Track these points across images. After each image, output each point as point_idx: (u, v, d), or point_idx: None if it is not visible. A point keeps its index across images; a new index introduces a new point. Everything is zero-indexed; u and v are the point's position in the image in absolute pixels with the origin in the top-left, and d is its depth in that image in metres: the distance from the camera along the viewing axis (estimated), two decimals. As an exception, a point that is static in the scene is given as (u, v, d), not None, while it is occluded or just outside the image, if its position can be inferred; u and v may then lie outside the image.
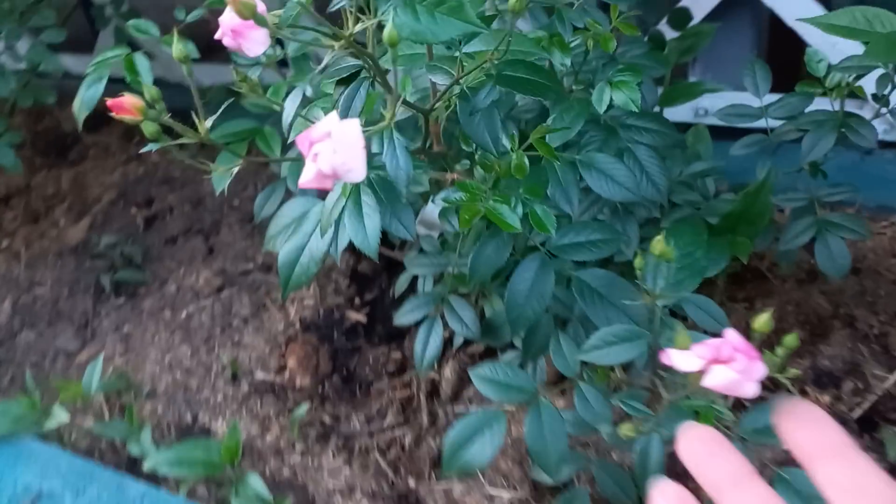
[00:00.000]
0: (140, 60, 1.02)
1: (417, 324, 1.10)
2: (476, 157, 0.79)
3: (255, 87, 0.65)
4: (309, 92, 0.55)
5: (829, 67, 1.08)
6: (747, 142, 1.09)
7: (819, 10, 1.47)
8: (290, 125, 0.63)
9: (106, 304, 1.63)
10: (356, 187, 0.66)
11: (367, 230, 0.64)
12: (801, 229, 1.05)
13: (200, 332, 1.49)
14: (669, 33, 1.35)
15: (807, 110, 1.12)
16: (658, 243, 0.61)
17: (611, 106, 0.91)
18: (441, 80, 0.69)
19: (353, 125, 0.47)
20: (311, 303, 1.48)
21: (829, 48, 1.46)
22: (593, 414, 0.84)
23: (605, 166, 0.90)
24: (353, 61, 0.64)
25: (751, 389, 0.53)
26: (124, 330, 1.55)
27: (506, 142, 0.72)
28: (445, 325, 1.02)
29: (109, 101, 0.55)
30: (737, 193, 1.12)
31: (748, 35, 1.65)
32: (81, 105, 0.99)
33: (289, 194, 1.20)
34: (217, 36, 0.60)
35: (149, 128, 0.58)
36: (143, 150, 0.61)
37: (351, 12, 0.54)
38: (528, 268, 0.84)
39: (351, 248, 0.84)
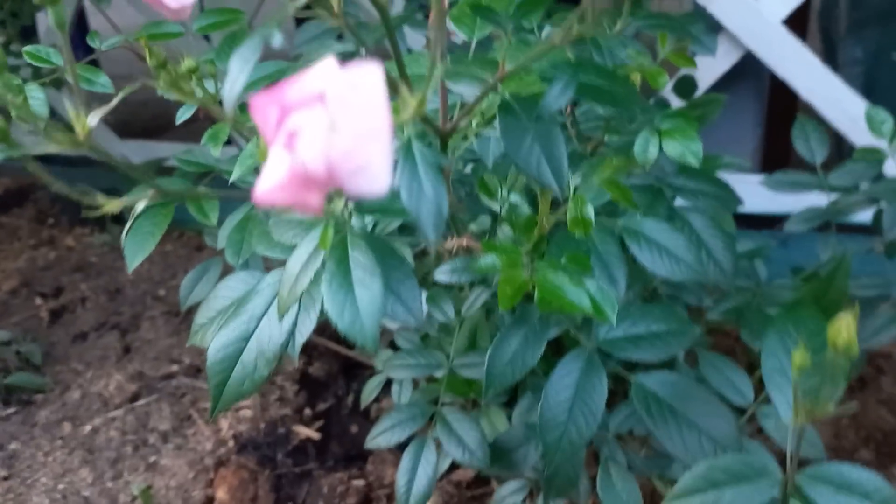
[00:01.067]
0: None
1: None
2: (502, 211, 0.55)
3: (180, 77, 0.41)
4: (277, 42, 0.31)
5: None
6: (807, 215, 0.88)
7: (837, 80, 1.31)
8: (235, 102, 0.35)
9: (-10, 416, 1.31)
10: (342, 241, 0.41)
11: (359, 305, 0.39)
12: (884, 323, 0.83)
13: (107, 451, 1.18)
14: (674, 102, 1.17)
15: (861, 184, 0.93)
16: (846, 327, 0.38)
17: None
18: (468, 90, 0.46)
19: (375, 75, 0.23)
20: (250, 415, 1.19)
21: (848, 123, 1.31)
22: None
23: (658, 236, 0.67)
24: (338, 45, 0.41)
25: None
26: (10, 448, 1.23)
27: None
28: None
29: None
30: (794, 279, 0.91)
31: (750, 112, 1.49)
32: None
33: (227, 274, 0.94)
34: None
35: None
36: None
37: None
38: (570, 370, 0.60)
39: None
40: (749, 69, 1.41)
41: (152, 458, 1.16)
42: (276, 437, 1.14)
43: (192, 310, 1.44)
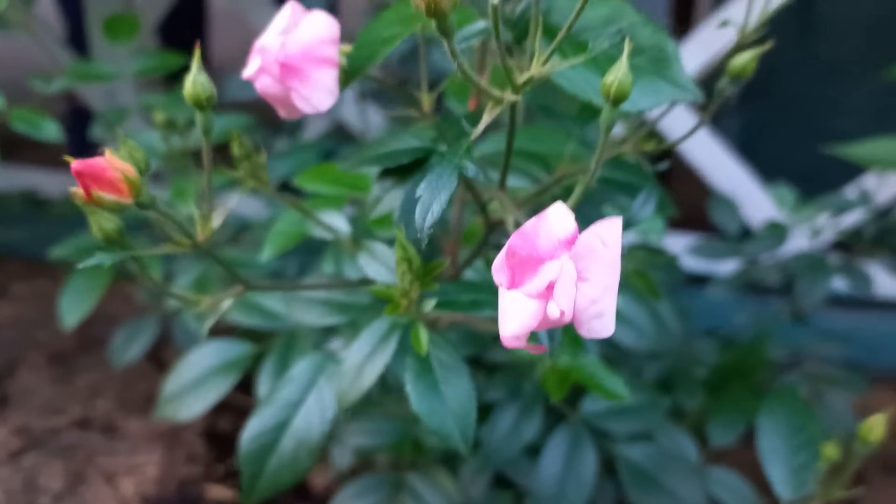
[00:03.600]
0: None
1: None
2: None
3: (261, 168, 0.40)
4: (472, 172, 0.30)
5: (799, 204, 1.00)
6: (728, 284, 0.96)
7: (718, 147, 1.42)
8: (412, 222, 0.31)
9: None
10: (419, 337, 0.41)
11: (448, 405, 0.39)
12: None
13: (-10, 516, 1.08)
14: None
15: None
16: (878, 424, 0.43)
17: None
18: (515, 182, 0.48)
19: (618, 232, 0.25)
20: (155, 473, 1.13)
21: (729, 187, 1.42)
22: None
23: (624, 307, 0.72)
24: (414, 141, 0.42)
25: None
26: None
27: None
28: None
29: (76, 164, 0.27)
30: (711, 338, 0.98)
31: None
32: None
33: (165, 334, 0.90)
34: (247, 74, 0.35)
35: (108, 223, 0.31)
36: (85, 264, 0.32)
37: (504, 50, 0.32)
38: (558, 444, 0.63)
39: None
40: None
41: (44, 523, 1.07)
42: (185, 498, 1.09)
43: (79, 357, 1.35)
